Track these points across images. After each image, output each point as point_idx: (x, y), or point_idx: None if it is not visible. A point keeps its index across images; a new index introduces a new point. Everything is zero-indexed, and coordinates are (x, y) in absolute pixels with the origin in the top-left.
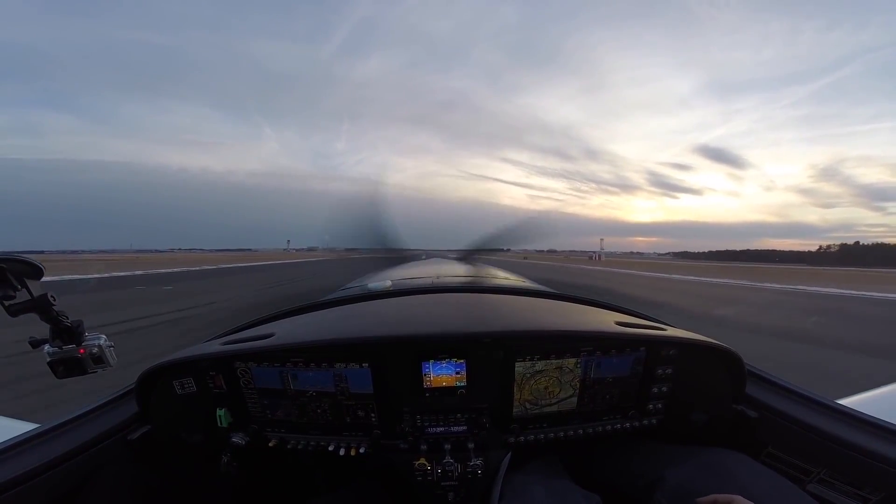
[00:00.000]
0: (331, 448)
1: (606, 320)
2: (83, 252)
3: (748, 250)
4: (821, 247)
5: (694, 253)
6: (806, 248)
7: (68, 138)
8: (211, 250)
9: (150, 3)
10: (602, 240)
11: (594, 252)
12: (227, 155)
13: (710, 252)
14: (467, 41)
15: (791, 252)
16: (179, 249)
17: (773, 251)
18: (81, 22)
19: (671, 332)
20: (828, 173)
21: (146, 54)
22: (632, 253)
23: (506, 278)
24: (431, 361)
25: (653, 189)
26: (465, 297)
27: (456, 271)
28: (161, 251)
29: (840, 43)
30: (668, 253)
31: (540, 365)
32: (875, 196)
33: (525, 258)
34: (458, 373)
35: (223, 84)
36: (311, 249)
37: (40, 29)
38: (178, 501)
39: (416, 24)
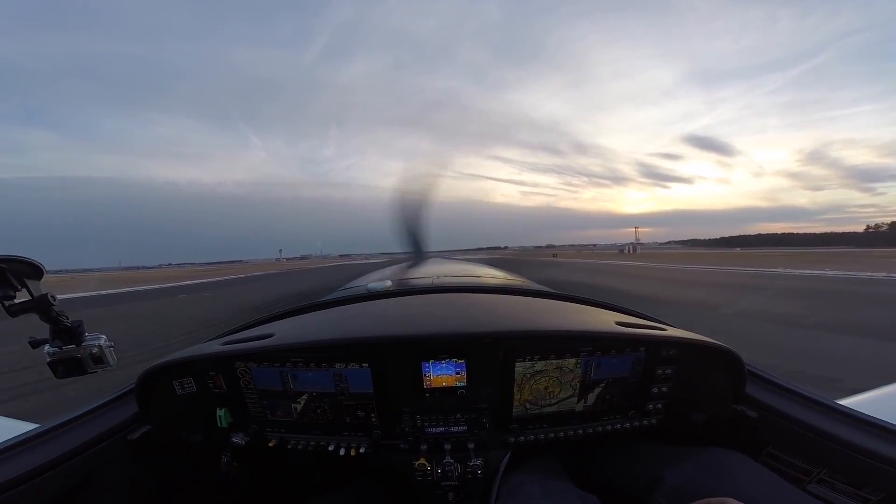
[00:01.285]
0: (331, 448)
1: (606, 320)
2: (68, 272)
3: (760, 234)
4: (868, 226)
5: (703, 240)
6: (798, 231)
7: (52, 155)
8: (202, 264)
9: (126, 14)
10: (637, 229)
11: (626, 244)
12: (214, 166)
13: (721, 239)
14: (451, 40)
15: (814, 235)
16: (169, 265)
17: (792, 234)
18: (56, 35)
19: (671, 332)
20: (815, 157)
21: (125, 66)
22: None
23: (506, 278)
24: (431, 361)
25: (644, 180)
26: (465, 297)
27: (456, 271)
28: (149, 267)
29: (816, 29)
30: (670, 241)
31: (540, 365)
32: (863, 177)
33: (555, 255)
34: (458, 373)
35: (206, 94)
36: (304, 258)
37: (12, 42)
38: (178, 501)
39: (398, 25)
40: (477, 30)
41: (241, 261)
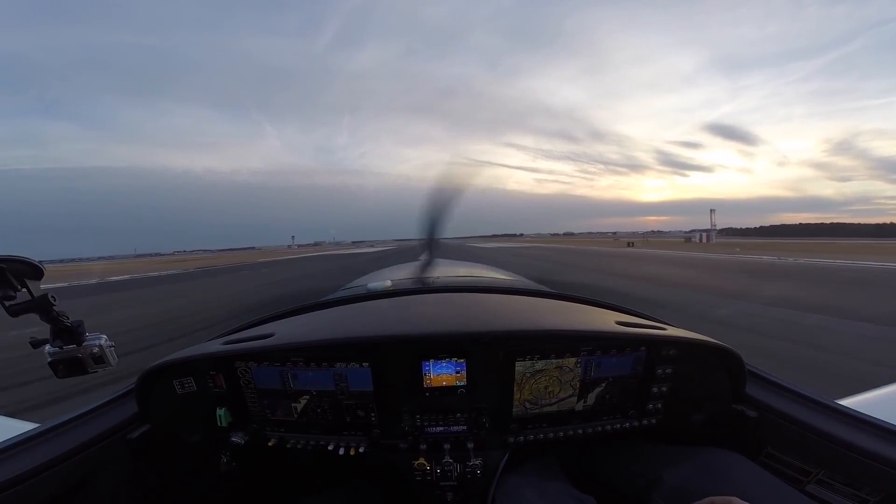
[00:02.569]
0: (330, 448)
1: (607, 320)
2: (80, 260)
3: (802, 224)
4: None
5: (741, 229)
6: (824, 221)
7: (70, 146)
8: (216, 250)
9: (137, 6)
10: (713, 211)
11: (697, 231)
12: (230, 154)
13: (761, 228)
14: (463, 26)
15: (865, 225)
16: (184, 251)
17: (843, 224)
18: (69, 29)
19: (671, 331)
20: (842, 147)
21: (138, 58)
22: (652, 232)
23: (506, 278)
24: (431, 361)
25: (662, 168)
26: (466, 296)
27: (456, 271)
28: (163, 254)
29: (846, 17)
30: (693, 230)
31: (540, 364)
32: (892, 169)
33: (630, 244)
34: (458, 372)
35: (219, 84)
36: (316, 244)
37: (28, 37)
38: (177, 501)
39: (409, 11)
40: (490, 15)
41: (253, 247)
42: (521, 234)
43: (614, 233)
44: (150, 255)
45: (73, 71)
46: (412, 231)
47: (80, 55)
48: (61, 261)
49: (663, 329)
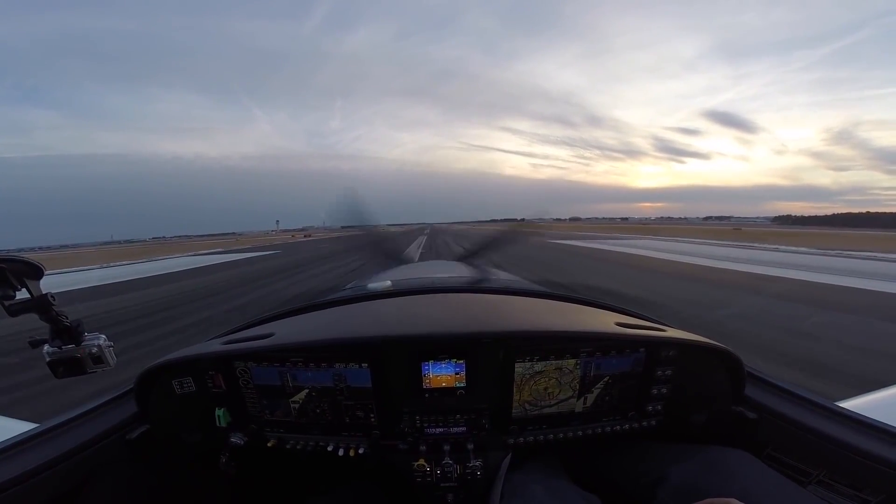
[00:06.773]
0: (330, 448)
1: (606, 321)
2: (51, 247)
3: (839, 214)
4: None
5: (799, 217)
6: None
7: (55, 133)
8: (198, 236)
9: None
10: None
11: None
12: (220, 140)
13: (828, 216)
14: (459, 7)
15: None
16: (164, 238)
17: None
18: (47, 14)
19: (671, 332)
20: (842, 136)
21: (121, 43)
22: (662, 218)
23: (506, 278)
24: (431, 362)
25: (659, 154)
26: (466, 297)
27: (456, 272)
28: (134, 241)
29: (852, 6)
30: (709, 217)
31: (539, 366)
32: (890, 159)
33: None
34: (457, 373)
35: (206, 69)
36: (304, 229)
37: (2, 23)
38: (176, 501)
39: None
40: None
41: (234, 233)
42: (523, 220)
43: (625, 218)
44: (119, 241)
45: (54, 58)
46: (408, 216)
47: (62, 42)
48: (20, 250)
49: (663, 330)
